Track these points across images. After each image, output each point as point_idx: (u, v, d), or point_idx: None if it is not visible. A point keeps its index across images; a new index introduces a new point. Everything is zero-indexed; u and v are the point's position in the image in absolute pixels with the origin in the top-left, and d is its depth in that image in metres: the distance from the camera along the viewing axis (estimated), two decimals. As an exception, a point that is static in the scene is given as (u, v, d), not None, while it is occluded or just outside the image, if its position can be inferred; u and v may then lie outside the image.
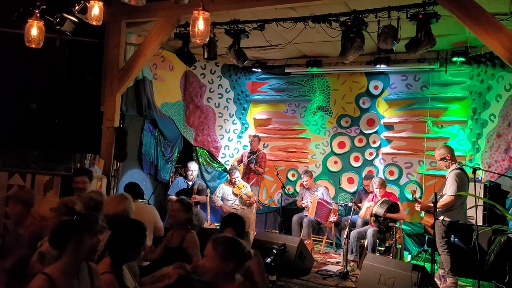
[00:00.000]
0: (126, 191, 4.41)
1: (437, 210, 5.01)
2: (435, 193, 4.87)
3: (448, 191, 5.06)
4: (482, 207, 5.60)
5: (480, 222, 5.52)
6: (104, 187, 5.68)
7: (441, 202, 5.05)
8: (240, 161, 7.88)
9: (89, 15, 4.14)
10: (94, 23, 4.12)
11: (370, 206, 6.00)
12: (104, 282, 2.36)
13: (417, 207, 5.43)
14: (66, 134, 6.24)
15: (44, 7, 4.80)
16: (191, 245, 3.70)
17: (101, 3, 4.11)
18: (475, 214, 4.80)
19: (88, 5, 4.25)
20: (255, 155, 7.63)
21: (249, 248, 2.41)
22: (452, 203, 5.02)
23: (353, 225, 6.29)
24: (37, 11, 4.45)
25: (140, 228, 2.65)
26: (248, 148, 8.05)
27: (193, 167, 7.14)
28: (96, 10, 4.07)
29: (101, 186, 5.62)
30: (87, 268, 2.30)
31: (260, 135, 8.27)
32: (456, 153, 6.23)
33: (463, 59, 6.42)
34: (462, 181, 5.06)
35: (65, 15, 5.42)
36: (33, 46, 4.37)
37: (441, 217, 5.09)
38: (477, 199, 5.03)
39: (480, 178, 6.00)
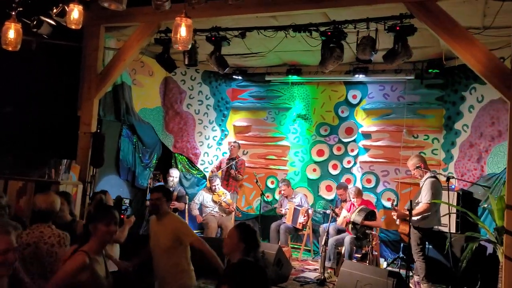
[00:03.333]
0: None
1: (414, 218, 5.13)
2: (410, 201, 4.98)
3: (424, 198, 5.17)
4: (455, 214, 5.74)
5: (453, 230, 5.65)
6: (79, 193, 5.57)
7: (417, 210, 5.16)
8: (218, 167, 7.87)
9: (68, 19, 4.09)
10: (73, 27, 4.08)
11: (347, 215, 6.10)
12: (77, 259, 2.55)
13: (394, 215, 5.54)
14: (41, 139, 6.11)
15: (21, 9, 4.72)
16: None
17: (81, 7, 4.07)
18: (449, 222, 4.92)
19: (67, 8, 4.21)
20: (234, 161, 7.63)
21: None
22: (428, 211, 5.13)
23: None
24: (14, 13, 4.38)
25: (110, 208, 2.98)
26: (227, 155, 8.04)
27: (174, 173, 7.10)
28: (75, 13, 4.03)
29: (76, 192, 5.52)
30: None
31: (239, 142, 8.28)
32: (430, 162, 6.40)
33: (438, 71, 6.60)
34: (437, 189, 5.20)
35: (42, 18, 5.34)
36: (10, 48, 4.29)
37: (417, 225, 5.20)
38: (450, 207, 5.15)
39: (453, 187, 6.16)
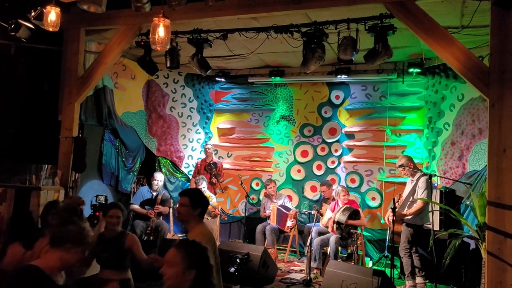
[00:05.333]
0: None
1: (410, 216, 5.21)
2: (394, 199, 5.02)
3: (421, 196, 5.22)
4: (438, 212, 5.80)
5: (437, 227, 5.72)
6: (61, 198, 5.47)
7: (415, 208, 5.20)
8: (197, 173, 7.78)
9: (45, 21, 4.03)
10: (50, 29, 4.02)
11: (331, 215, 6.12)
12: None
13: (390, 216, 5.45)
14: (22, 144, 6.00)
15: (-2, 12, 4.64)
16: None
17: (58, 9, 4.01)
18: (432, 219, 4.99)
19: (44, 11, 4.14)
20: (216, 168, 7.57)
21: None
22: (424, 208, 5.19)
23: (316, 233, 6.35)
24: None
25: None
26: (201, 159, 7.98)
27: (159, 177, 7.03)
28: (52, 16, 3.97)
29: (58, 197, 5.42)
30: None
31: (224, 144, 8.26)
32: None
33: (418, 70, 6.68)
34: (431, 187, 5.26)
35: (20, 21, 5.24)
36: (-14, 52, 4.20)
37: (413, 222, 5.27)
38: (433, 205, 5.21)
39: (436, 185, 6.23)
